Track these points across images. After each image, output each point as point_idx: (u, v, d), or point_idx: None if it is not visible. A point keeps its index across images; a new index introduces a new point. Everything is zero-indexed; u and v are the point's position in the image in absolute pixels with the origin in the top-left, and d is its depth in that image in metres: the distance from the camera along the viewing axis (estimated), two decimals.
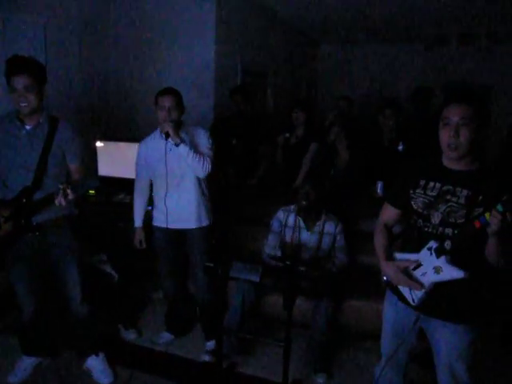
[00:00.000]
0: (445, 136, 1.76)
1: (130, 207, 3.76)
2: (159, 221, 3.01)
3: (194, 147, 2.81)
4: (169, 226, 2.97)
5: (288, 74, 6.18)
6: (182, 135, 2.78)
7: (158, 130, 2.93)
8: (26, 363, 2.79)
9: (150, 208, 3.13)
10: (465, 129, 1.71)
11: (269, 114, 5.69)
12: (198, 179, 2.91)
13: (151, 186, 3.06)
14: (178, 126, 2.82)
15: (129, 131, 4.50)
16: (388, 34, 6.45)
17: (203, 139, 2.90)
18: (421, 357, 2.67)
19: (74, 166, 2.59)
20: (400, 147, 3.77)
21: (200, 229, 2.96)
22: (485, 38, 6.34)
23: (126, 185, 4.05)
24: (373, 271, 3.14)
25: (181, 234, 2.99)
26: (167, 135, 2.75)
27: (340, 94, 5.47)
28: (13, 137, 2.45)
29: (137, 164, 3.04)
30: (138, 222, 3.10)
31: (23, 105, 2.36)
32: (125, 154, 4.12)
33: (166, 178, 2.89)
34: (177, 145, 2.73)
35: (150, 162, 2.94)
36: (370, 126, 4.26)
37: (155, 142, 2.92)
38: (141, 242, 3.10)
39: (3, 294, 3.07)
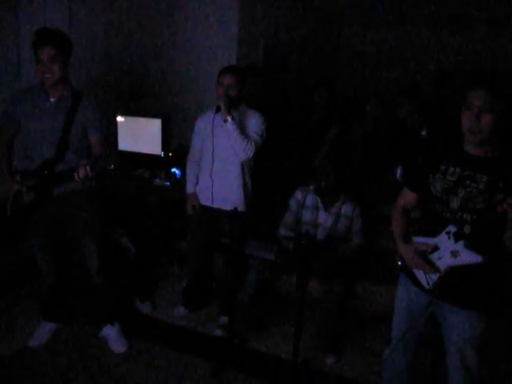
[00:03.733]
0: (466, 120, 1.74)
1: (149, 182, 3.81)
2: (202, 198, 3.07)
3: (243, 128, 2.84)
4: (212, 205, 3.03)
5: (312, 55, 6.11)
6: (234, 115, 2.80)
7: (214, 107, 2.96)
8: (45, 328, 2.88)
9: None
10: (487, 114, 1.68)
11: (291, 94, 5.64)
12: (243, 163, 2.94)
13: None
14: (234, 103, 2.84)
15: (150, 107, 4.52)
16: (413, 16, 6.31)
17: (255, 123, 2.91)
18: (431, 342, 2.70)
19: (95, 138, 2.62)
20: (423, 132, 3.71)
21: (235, 212, 2.94)
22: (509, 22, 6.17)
23: (146, 160, 4.11)
24: (388, 255, 3.14)
25: (219, 213, 3.03)
26: (218, 109, 2.80)
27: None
28: (37, 109, 2.49)
29: (193, 135, 3.12)
30: (191, 188, 3.14)
31: (47, 75, 2.40)
32: (145, 130, 4.15)
33: (212, 154, 2.93)
34: (225, 120, 2.76)
35: (201, 135, 3.02)
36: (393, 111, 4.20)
37: (208, 117, 2.97)
38: (194, 206, 3.12)
39: (25, 262, 3.15)
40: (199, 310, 3.35)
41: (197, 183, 3.13)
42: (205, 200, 3.07)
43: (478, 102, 1.70)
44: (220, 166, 2.94)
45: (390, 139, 3.93)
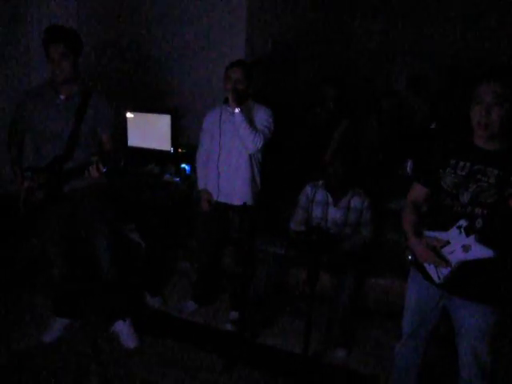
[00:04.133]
0: (476, 114, 1.73)
1: (158, 178, 3.83)
2: (210, 190, 3.08)
3: (251, 121, 2.84)
4: (218, 199, 3.03)
5: (321, 50, 6.07)
6: (243, 108, 2.80)
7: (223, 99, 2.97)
8: (58, 324, 2.91)
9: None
10: (497, 107, 1.67)
11: (300, 89, 5.62)
12: (251, 157, 2.94)
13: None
14: (242, 97, 2.84)
15: (159, 102, 4.53)
16: (422, 10, 6.26)
17: (263, 116, 2.90)
18: (443, 337, 2.69)
19: (105, 136, 2.64)
20: (433, 125, 3.68)
21: (244, 207, 2.95)
22: None
23: (155, 156, 4.12)
24: (399, 250, 3.13)
25: (226, 208, 3.03)
26: (226, 100, 2.81)
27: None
28: (48, 106, 2.51)
29: (201, 131, 3.12)
30: (202, 184, 3.14)
31: (58, 72, 2.42)
32: (154, 126, 4.17)
33: (219, 149, 2.94)
34: (233, 112, 2.77)
35: (209, 131, 3.02)
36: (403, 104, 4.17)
37: (215, 112, 2.98)
38: (209, 201, 3.10)
39: (37, 257, 3.19)
40: (209, 305, 3.37)
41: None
42: (212, 195, 3.07)
43: (487, 96, 1.68)
44: (227, 160, 2.94)
45: (399, 133, 3.91)
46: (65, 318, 2.93)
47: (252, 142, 2.81)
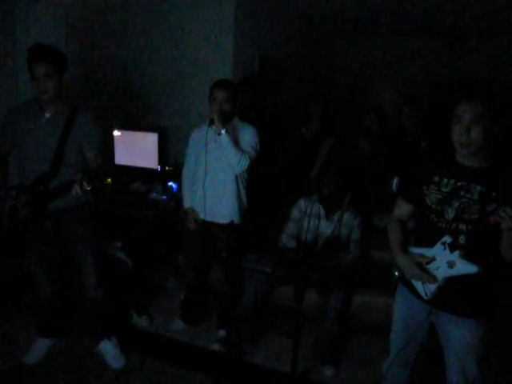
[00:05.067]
0: (456, 134, 1.75)
1: (145, 196, 3.82)
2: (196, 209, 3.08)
3: (237, 142, 2.85)
4: (205, 218, 3.02)
5: (306, 67, 6.16)
6: (228, 128, 2.81)
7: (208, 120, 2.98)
8: (41, 344, 2.85)
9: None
10: (476, 126, 1.69)
11: (285, 107, 5.68)
12: (236, 176, 2.94)
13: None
14: (227, 117, 2.86)
15: (146, 121, 4.54)
16: (407, 28, 6.38)
17: (249, 137, 2.91)
18: (431, 353, 2.69)
19: (91, 154, 2.63)
20: (423, 144, 3.71)
21: (231, 225, 2.95)
22: (507, 34, 6.24)
23: (142, 174, 4.12)
24: (385, 266, 3.15)
25: (212, 226, 3.03)
26: (211, 122, 2.80)
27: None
28: (33, 124, 2.50)
29: (187, 149, 3.13)
30: (188, 203, 3.13)
31: (43, 92, 2.41)
32: (142, 144, 4.17)
33: (205, 168, 2.94)
34: (219, 133, 2.78)
35: (195, 149, 3.03)
36: (394, 123, 4.22)
37: (202, 130, 2.98)
38: (195, 220, 3.10)
39: (21, 277, 3.14)
40: (196, 324, 3.33)
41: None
42: (200, 214, 3.06)
43: (466, 115, 1.71)
44: (213, 179, 2.94)
45: (391, 150, 3.94)
46: (49, 338, 2.88)
47: (238, 164, 2.81)
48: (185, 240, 3.22)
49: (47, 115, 2.51)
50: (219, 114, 2.78)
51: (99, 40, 4.30)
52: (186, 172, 3.14)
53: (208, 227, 3.05)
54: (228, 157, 2.81)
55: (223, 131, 2.76)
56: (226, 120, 2.83)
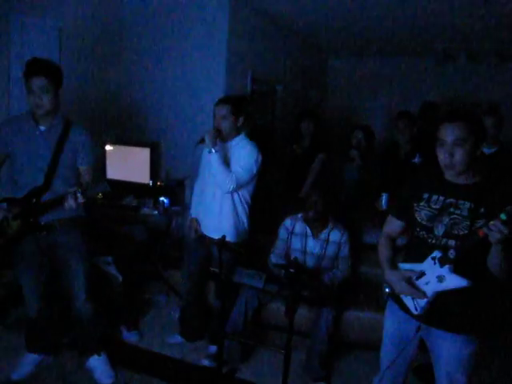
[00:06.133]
0: (441, 156, 1.80)
1: (136, 211, 3.81)
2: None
3: (230, 160, 2.86)
4: (204, 232, 3.04)
5: (298, 86, 6.23)
6: (227, 145, 2.88)
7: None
8: (29, 360, 2.82)
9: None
10: (459, 149, 1.74)
11: (277, 125, 5.74)
12: (232, 195, 2.93)
13: None
14: (228, 134, 2.89)
15: (139, 136, 4.56)
16: (397, 48, 6.49)
17: (244, 157, 2.87)
18: (421, 368, 2.70)
19: (84, 168, 2.64)
20: (416, 159, 3.74)
21: (222, 241, 2.97)
22: (494, 55, 6.38)
23: (134, 189, 4.12)
24: (374, 283, 3.17)
25: (208, 241, 3.01)
26: (201, 140, 2.81)
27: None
28: (26, 137, 2.50)
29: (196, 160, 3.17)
30: (193, 212, 3.16)
31: (39, 105, 2.42)
32: (134, 158, 4.18)
33: (203, 182, 2.98)
34: (209, 152, 2.79)
35: (199, 161, 3.07)
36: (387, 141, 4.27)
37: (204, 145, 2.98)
38: (196, 230, 3.10)
39: (10, 291, 3.11)
40: (195, 340, 3.28)
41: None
42: (201, 228, 3.07)
43: (449, 137, 1.76)
44: (210, 195, 2.95)
45: (383, 166, 3.98)
46: (37, 353, 2.84)
47: (223, 183, 2.80)
48: (185, 253, 3.22)
49: (42, 128, 2.52)
50: (212, 133, 2.79)
51: (92, 55, 4.32)
52: (197, 182, 3.17)
53: (204, 241, 3.05)
54: (215, 176, 2.82)
55: (213, 150, 2.78)
56: (222, 138, 2.85)
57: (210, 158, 2.80)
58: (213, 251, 2.98)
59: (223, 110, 2.85)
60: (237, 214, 2.99)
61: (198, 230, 3.08)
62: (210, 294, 3.37)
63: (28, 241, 2.56)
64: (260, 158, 2.91)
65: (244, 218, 3.03)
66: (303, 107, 5.64)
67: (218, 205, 2.94)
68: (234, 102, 2.91)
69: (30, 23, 3.69)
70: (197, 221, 3.10)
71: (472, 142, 1.74)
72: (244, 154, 2.88)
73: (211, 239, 2.97)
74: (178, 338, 3.27)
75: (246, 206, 3.02)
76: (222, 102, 2.91)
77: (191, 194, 3.29)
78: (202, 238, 3.06)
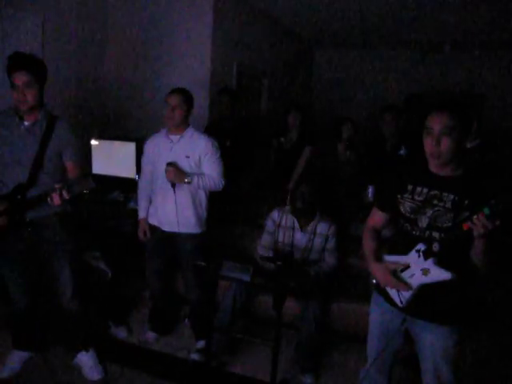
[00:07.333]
0: (427, 145, 1.81)
1: (123, 205, 3.79)
2: (153, 219, 3.06)
3: (189, 153, 2.88)
4: (162, 228, 3.01)
5: (284, 78, 6.23)
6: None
7: (165, 130, 3.00)
8: (16, 358, 2.81)
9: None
10: (446, 138, 1.75)
11: (263, 117, 5.73)
12: (190, 187, 2.93)
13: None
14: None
15: (124, 130, 4.53)
16: (383, 39, 6.52)
17: (205, 149, 2.91)
18: (407, 359, 2.73)
19: (70, 163, 2.61)
20: (402, 151, 3.76)
21: (191, 235, 2.99)
22: (478, 46, 6.43)
23: (120, 183, 4.09)
24: (361, 274, 3.19)
25: (172, 236, 3.01)
26: (173, 185, 2.84)
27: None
28: (10, 132, 2.47)
29: (142, 160, 3.12)
30: (142, 214, 3.13)
31: (22, 101, 2.38)
32: (119, 153, 4.15)
33: (159, 177, 2.93)
34: (189, 183, 2.84)
35: (152, 159, 3.01)
36: (373, 133, 4.28)
37: (159, 140, 2.99)
38: (145, 232, 3.10)
39: None
40: (167, 334, 3.31)
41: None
42: (158, 223, 3.05)
43: (436, 127, 1.76)
44: (166, 189, 2.91)
45: (369, 159, 4.00)
46: (24, 350, 2.83)
47: (216, 188, 2.95)
48: (146, 251, 3.20)
49: (26, 123, 2.48)
50: (173, 174, 2.81)
51: (77, 49, 4.27)
52: (142, 182, 3.14)
53: (167, 238, 3.03)
54: (205, 189, 2.94)
55: (188, 179, 2.83)
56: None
57: (192, 186, 2.87)
58: (182, 245, 2.99)
59: (176, 98, 2.87)
60: (195, 204, 2.99)
61: (147, 232, 3.09)
62: (177, 282, 3.38)
63: (14, 237, 2.53)
64: (216, 143, 2.98)
65: (204, 206, 3.04)
66: (289, 100, 5.64)
67: (174, 198, 2.89)
68: (187, 93, 2.95)
69: (13, 16, 3.62)
70: (145, 221, 3.10)
71: (459, 131, 1.74)
72: (204, 144, 2.92)
73: (178, 234, 2.97)
74: (151, 335, 3.26)
75: (205, 193, 3.03)
76: (175, 91, 2.93)
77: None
78: (163, 235, 3.03)
